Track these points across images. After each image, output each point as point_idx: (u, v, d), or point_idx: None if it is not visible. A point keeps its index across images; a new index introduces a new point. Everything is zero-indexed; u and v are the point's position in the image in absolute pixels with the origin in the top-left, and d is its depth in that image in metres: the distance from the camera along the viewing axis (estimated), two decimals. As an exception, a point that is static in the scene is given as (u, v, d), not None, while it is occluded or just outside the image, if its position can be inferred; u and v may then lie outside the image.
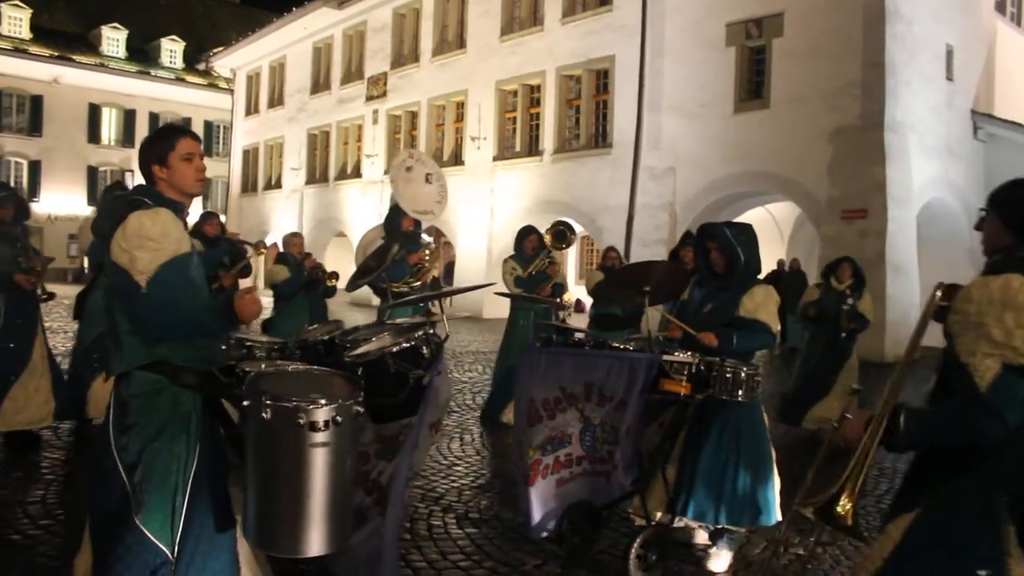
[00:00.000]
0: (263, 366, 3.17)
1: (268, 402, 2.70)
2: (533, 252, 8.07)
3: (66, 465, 5.89)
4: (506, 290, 7.70)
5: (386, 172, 25.51)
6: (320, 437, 2.70)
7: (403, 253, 7.53)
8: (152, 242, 2.75)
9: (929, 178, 16.86)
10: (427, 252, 7.60)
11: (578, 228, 23.71)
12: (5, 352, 6.01)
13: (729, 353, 4.23)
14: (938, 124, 17.36)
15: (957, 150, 17.99)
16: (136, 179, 3.15)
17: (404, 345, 3.35)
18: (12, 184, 33.74)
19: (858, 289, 7.89)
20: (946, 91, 17.72)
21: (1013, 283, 2.17)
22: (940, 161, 17.37)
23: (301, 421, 2.68)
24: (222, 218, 8.37)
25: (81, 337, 6.72)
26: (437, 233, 25.82)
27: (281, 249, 9.15)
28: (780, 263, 18.42)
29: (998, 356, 2.15)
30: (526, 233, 8.21)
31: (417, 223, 7.79)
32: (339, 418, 2.74)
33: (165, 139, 2.98)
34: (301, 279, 8.50)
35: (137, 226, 2.75)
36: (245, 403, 2.75)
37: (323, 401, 2.74)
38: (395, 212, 7.87)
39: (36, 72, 36.96)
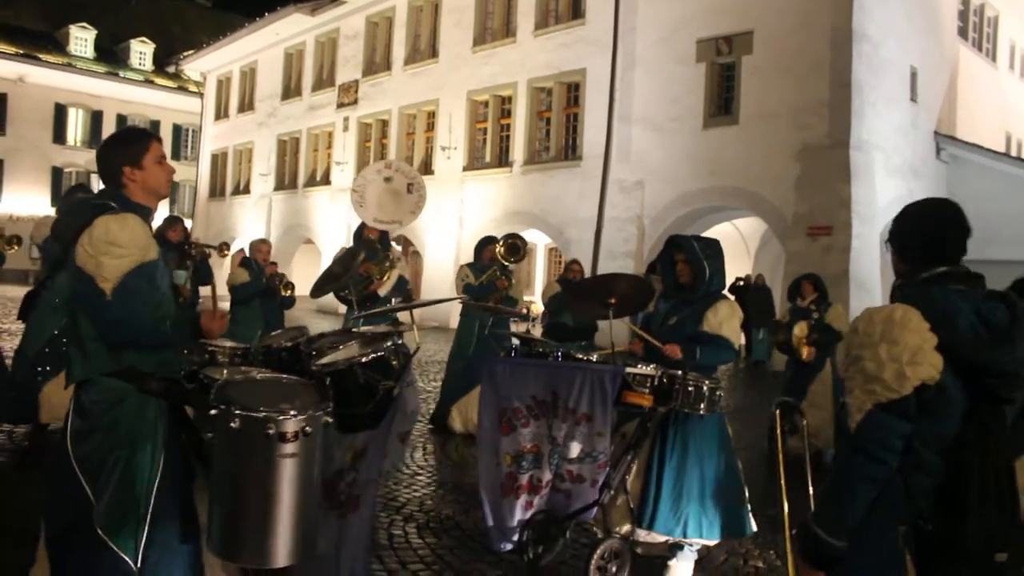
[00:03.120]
0: (226, 372, 3.14)
1: (237, 412, 2.67)
2: (490, 262, 8.09)
3: (19, 470, 5.77)
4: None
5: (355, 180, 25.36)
6: (289, 448, 2.68)
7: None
8: (118, 248, 2.72)
9: (893, 197, 17.12)
10: (375, 265, 7.44)
11: (546, 240, 23.89)
12: None
13: (692, 366, 4.26)
14: (903, 144, 17.66)
15: (921, 170, 18.31)
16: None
17: (373, 355, 3.33)
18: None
19: (822, 303, 7.96)
20: (910, 112, 18.04)
21: (895, 314, 2.10)
22: (904, 181, 17.64)
23: (271, 431, 2.66)
24: (187, 223, 8.25)
25: (29, 339, 6.35)
26: (405, 242, 25.74)
27: (247, 254, 9.04)
28: (747, 279, 18.55)
29: (869, 393, 2.07)
30: (486, 243, 8.25)
31: (383, 232, 7.75)
32: (308, 429, 2.72)
33: (139, 141, 2.97)
34: (259, 285, 8.42)
35: (104, 232, 2.72)
36: (213, 412, 2.71)
37: (293, 412, 2.72)
38: (361, 224, 7.84)
39: (1, 70, 36.34)
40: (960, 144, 19.10)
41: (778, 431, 2.53)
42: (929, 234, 2.31)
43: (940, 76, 19.42)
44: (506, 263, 8.08)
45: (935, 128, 19.03)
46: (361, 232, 7.72)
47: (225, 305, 9.10)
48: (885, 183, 16.82)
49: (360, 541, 3.35)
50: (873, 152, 16.48)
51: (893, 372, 2.04)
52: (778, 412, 2.52)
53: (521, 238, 8.35)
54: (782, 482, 2.36)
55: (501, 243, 8.14)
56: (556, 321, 7.65)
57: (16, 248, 6.36)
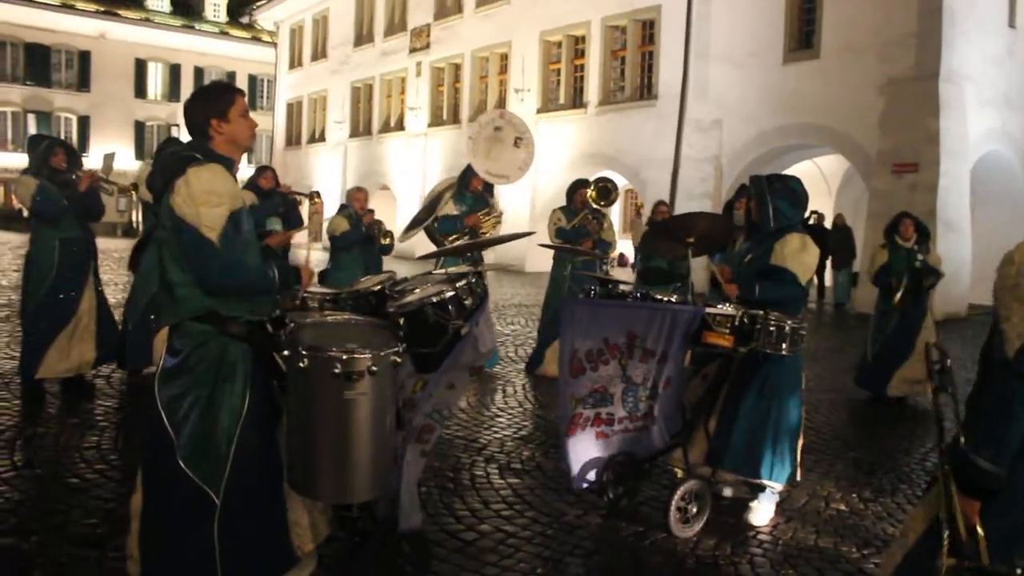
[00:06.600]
0: (310, 318, 3.22)
1: (304, 352, 2.75)
2: (581, 206, 8.06)
3: (119, 412, 6.05)
4: (549, 241, 7.72)
5: (469, 124, 25.36)
6: (357, 386, 2.74)
7: (463, 210, 7.53)
8: (216, 196, 2.81)
9: (985, 130, 16.36)
10: (484, 216, 7.56)
11: (622, 181, 23.55)
12: (56, 303, 6.14)
13: (760, 304, 4.20)
14: (997, 74, 16.77)
15: (1016, 102, 17.38)
16: (184, 134, 3.22)
17: (446, 295, 3.37)
18: (63, 138, 34.40)
19: (923, 243, 7.67)
20: (1007, 39, 17.07)
21: None
22: (997, 113, 16.82)
23: (337, 371, 2.72)
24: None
25: (139, 287, 6.66)
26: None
27: (344, 202, 9.32)
28: (820, 217, 18.02)
29: None
30: (578, 186, 8.20)
31: (488, 185, 7.74)
32: (374, 368, 2.78)
33: (225, 93, 3.05)
34: (359, 234, 8.65)
35: (197, 181, 2.80)
36: (285, 353, 2.81)
37: (359, 351, 2.77)
38: (468, 169, 7.86)
39: (83, 28, 37.37)
40: (1062, 72, 18.06)
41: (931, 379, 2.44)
42: None
43: (1042, -1, 18.31)
44: (597, 207, 8.05)
45: (1034, 56, 18.02)
46: (463, 178, 7.72)
47: (324, 254, 9.29)
48: (976, 116, 16.06)
49: (417, 468, 3.44)
50: (964, 83, 15.71)
51: None
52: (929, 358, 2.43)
53: (612, 181, 8.29)
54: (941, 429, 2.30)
55: (592, 187, 8.12)
56: (649, 267, 7.60)
57: (134, 194, 6.75)
